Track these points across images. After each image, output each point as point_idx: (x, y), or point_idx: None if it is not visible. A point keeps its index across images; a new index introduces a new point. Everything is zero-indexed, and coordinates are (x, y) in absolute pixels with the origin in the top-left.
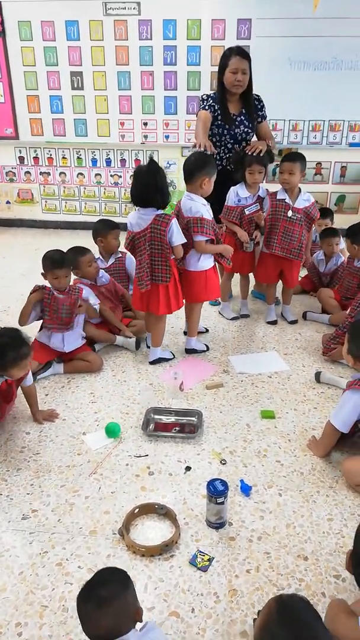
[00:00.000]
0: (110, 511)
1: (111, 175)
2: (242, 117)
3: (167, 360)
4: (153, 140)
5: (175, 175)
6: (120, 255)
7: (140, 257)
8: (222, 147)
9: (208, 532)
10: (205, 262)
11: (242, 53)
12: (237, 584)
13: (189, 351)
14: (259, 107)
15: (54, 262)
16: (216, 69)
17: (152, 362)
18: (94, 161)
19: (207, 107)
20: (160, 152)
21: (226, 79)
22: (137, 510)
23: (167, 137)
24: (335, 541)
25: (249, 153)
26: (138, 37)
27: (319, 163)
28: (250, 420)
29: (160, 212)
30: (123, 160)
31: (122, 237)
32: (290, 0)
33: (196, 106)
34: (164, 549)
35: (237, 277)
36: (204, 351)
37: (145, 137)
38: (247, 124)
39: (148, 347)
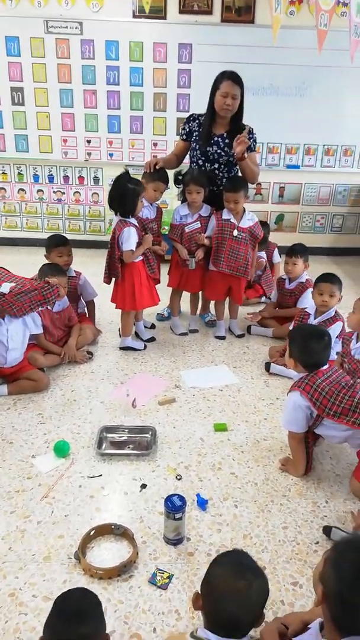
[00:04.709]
0: (65, 535)
1: (54, 192)
2: (220, 138)
3: (135, 350)
4: (97, 158)
5: None
6: (74, 274)
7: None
8: (194, 164)
9: (166, 549)
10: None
11: (234, 78)
12: None
13: (123, 349)
14: (248, 137)
15: None
16: (158, 90)
17: (122, 349)
18: (36, 177)
19: (183, 135)
20: (105, 169)
21: (216, 102)
22: (92, 532)
23: (111, 155)
24: (290, 549)
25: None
26: (80, 56)
27: (259, 183)
28: (203, 434)
29: (124, 218)
30: (66, 177)
31: (80, 254)
32: (228, 29)
33: (139, 126)
34: (122, 570)
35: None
36: (140, 350)
37: (89, 154)
38: (222, 145)
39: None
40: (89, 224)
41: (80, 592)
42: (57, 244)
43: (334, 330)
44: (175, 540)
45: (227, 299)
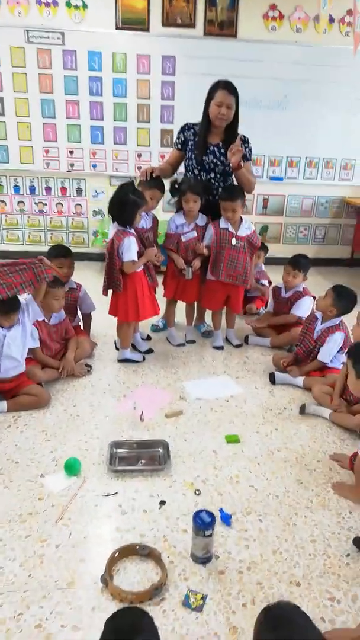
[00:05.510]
0: (86, 558)
1: (35, 203)
2: (216, 147)
3: (134, 362)
4: (80, 169)
5: (102, 204)
6: (75, 286)
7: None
8: (189, 173)
9: (196, 569)
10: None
11: (229, 87)
12: (235, 620)
13: (122, 361)
14: (242, 146)
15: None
16: (142, 101)
17: (120, 361)
18: (17, 188)
19: (179, 145)
20: (88, 181)
21: (211, 111)
22: (117, 554)
23: (94, 166)
24: (322, 562)
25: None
26: (62, 66)
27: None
28: (216, 446)
29: (123, 227)
30: (48, 188)
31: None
32: (210, 42)
33: (123, 137)
34: (154, 593)
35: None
36: (138, 362)
37: (72, 165)
38: (218, 155)
39: (117, 349)
40: (71, 235)
41: (132, 609)
42: (57, 254)
43: (336, 339)
44: (204, 559)
45: (224, 308)
